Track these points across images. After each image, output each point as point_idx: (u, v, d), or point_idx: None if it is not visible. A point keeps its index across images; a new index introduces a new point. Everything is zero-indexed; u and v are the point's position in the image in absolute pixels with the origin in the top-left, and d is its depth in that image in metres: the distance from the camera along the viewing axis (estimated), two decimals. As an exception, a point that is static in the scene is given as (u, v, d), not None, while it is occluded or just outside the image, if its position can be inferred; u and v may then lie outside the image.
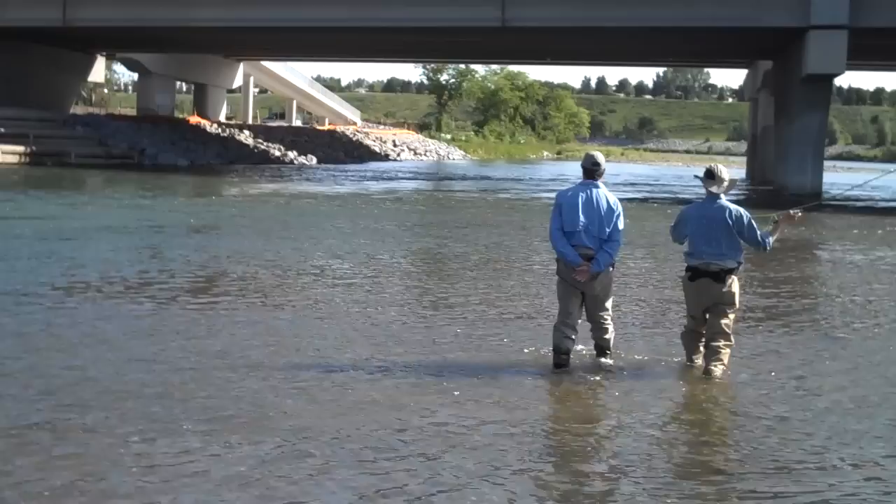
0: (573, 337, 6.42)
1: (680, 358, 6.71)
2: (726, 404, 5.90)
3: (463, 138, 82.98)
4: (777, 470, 4.59)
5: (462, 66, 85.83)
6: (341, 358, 6.55)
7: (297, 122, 73.92)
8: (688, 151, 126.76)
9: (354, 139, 59.92)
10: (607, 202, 6.31)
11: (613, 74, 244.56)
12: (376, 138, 63.21)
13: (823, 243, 16.73)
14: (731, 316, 6.36)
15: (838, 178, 45.45)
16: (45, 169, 30.52)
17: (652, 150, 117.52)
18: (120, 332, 7.13)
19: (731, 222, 6.24)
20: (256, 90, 79.00)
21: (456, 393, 5.73)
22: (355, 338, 7.19)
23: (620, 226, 6.33)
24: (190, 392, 5.57)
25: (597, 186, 6.38)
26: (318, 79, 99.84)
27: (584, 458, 4.77)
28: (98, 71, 49.42)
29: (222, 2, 34.17)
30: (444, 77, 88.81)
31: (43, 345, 6.65)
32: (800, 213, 6.65)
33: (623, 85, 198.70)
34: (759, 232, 6.31)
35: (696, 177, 6.69)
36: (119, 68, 78.15)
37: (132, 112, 54.45)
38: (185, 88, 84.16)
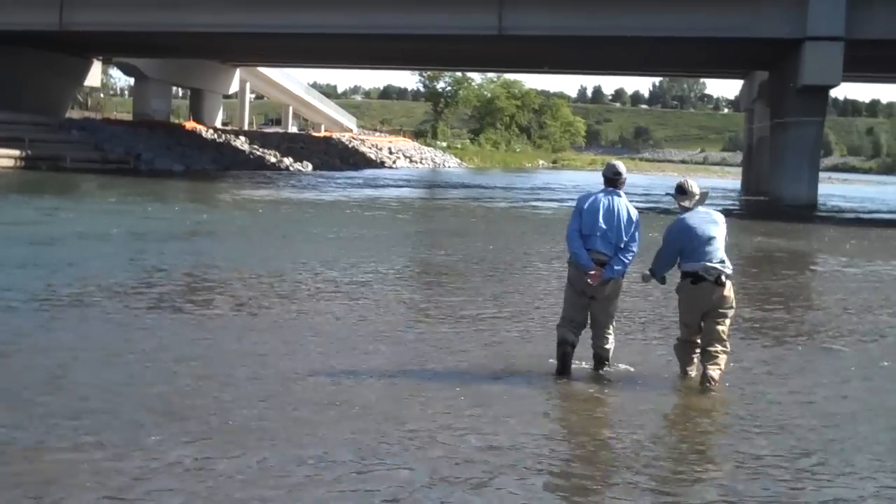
0: (577, 334, 6.45)
1: (675, 369, 6.68)
2: (719, 417, 5.88)
3: (459, 146, 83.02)
4: (774, 482, 4.58)
5: (458, 73, 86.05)
6: (324, 364, 6.52)
7: (293, 129, 73.94)
8: (683, 161, 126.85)
9: (350, 146, 59.89)
10: (627, 212, 6.40)
11: (609, 84, 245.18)
12: (372, 145, 63.17)
13: (818, 254, 16.72)
14: (728, 322, 6.38)
15: (835, 190, 45.46)
16: (39, 173, 30.42)
17: (647, 160, 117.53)
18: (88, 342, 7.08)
19: (722, 226, 6.39)
20: (253, 96, 79.05)
21: (446, 402, 5.69)
22: (339, 345, 7.15)
23: (637, 237, 6.40)
24: (174, 402, 5.54)
25: (619, 195, 6.48)
26: (315, 85, 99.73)
27: (580, 467, 4.75)
28: (94, 75, 49.36)
29: (219, 7, 34.21)
30: (440, 85, 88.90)
31: None
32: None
33: (619, 94, 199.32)
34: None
35: (668, 193, 6.76)
36: (115, 73, 78.04)
37: (128, 117, 54.30)
38: (181, 94, 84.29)
